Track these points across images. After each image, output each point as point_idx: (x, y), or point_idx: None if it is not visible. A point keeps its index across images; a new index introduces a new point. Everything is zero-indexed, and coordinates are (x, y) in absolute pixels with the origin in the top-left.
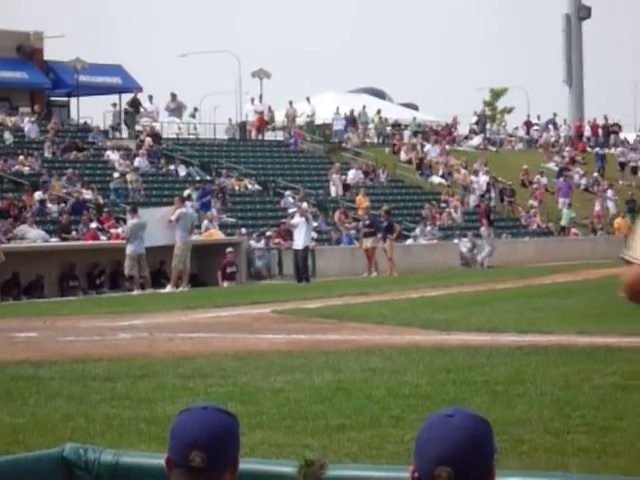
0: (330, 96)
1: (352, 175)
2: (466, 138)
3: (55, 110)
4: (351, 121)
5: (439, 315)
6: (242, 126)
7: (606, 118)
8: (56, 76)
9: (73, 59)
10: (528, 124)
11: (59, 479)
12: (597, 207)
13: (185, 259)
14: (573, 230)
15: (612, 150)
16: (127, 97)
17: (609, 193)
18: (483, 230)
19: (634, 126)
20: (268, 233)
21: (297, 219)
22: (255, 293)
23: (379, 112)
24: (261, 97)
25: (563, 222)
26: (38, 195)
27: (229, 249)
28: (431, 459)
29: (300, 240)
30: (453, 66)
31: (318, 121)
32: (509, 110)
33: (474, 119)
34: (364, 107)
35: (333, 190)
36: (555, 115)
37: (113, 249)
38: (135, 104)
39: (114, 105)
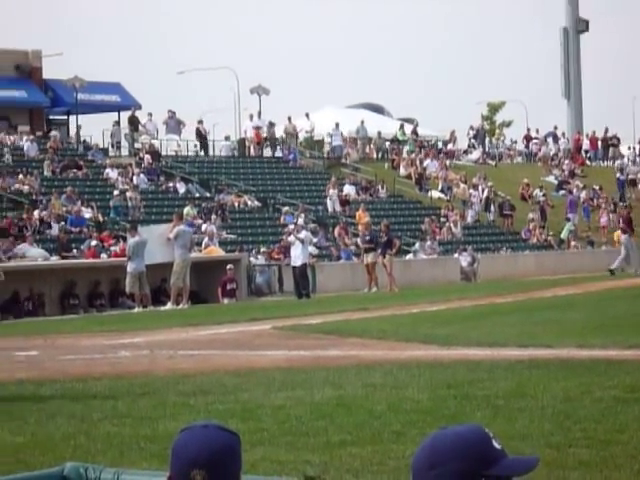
0: (329, 112)
1: (347, 190)
2: (465, 152)
3: (54, 128)
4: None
5: (439, 330)
6: (241, 143)
7: (606, 131)
8: (55, 94)
9: (72, 77)
10: (528, 137)
11: None
12: (603, 219)
13: (184, 276)
14: (573, 243)
15: (609, 162)
16: (126, 115)
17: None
18: (625, 237)
19: (633, 139)
20: (262, 249)
21: (293, 237)
22: (255, 310)
23: (380, 133)
24: (260, 113)
25: (563, 235)
26: (38, 214)
27: (229, 266)
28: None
29: (297, 257)
30: (452, 80)
31: (317, 137)
32: (508, 124)
33: (471, 133)
34: (362, 122)
35: (330, 205)
36: (555, 128)
37: (113, 267)
38: (134, 122)
39: (117, 123)
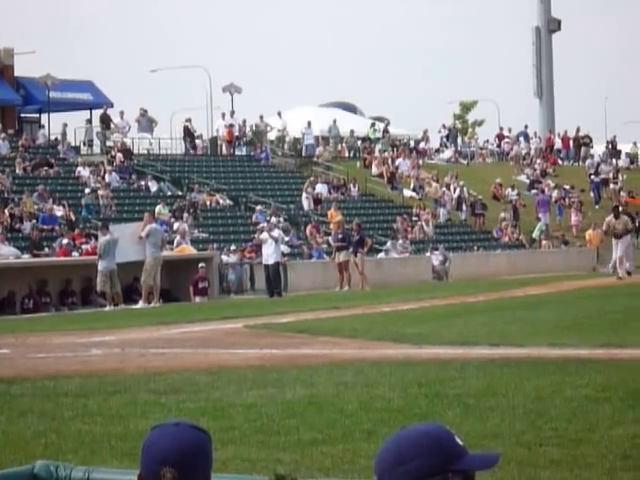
0: (301, 110)
1: (319, 189)
2: (437, 151)
3: (26, 126)
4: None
5: (411, 329)
6: (213, 141)
7: (578, 130)
8: (27, 92)
9: (44, 75)
10: (500, 136)
11: None
12: (574, 218)
13: (155, 274)
14: (544, 242)
15: (581, 162)
16: (98, 113)
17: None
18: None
19: (605, 139)
20: (233, 247)
21: (265, 235)
22: (227, 308)
23: (352, 132)
24: (232, 112)
25: (534, 235)
26: (9, 212)
27: (201, 264)
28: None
29: (269, 256)
30: (424, 79)
31: (289, 135)
32: (480, 123)
33: (443, 132)
34: (334, 121)
35: (306, 204)
36: (526, 127)
37: (85, 265)
38: (105, 120)
39: (89, 121)
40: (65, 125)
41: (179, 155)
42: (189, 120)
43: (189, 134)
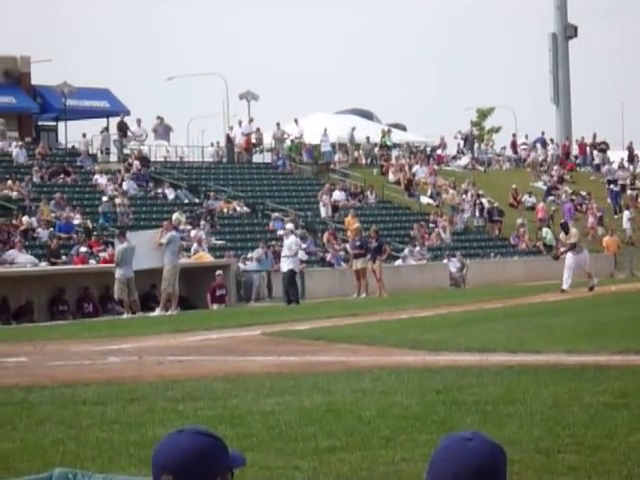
0: (318, 117)
1: (337, 196)
2: (454, 158)
3: (43, 134)
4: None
5: (428, 336)
6: (230, 148)
7: (594, 136)
8: (44, 100)
9: (61, 83)
10: (514, 143)
11: None
12: (590, 220)
13: (174, 282)
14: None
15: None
16: (115, 120)
17: (626, 213)
18: None
19: (622, 145)
20: (250, 255)
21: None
22: (244, 315)
23: (368, 139)
24: (252, 119)
25: (547, 241)
26: (27, 220)
27: (219, 272)
28: None
29: (285, 263)
30: (441, 86)
31: (306, 142)
32: (496, 130)
33: (460, 137)
34: (353, 129)
35: (323, 211)
36: (543, 134)
37: (102, 273)
38: (123, 128)
39: (105, 129)
40: (84, 135)
41: (196, 162)
42: (231, 128)
43: (229, 141)
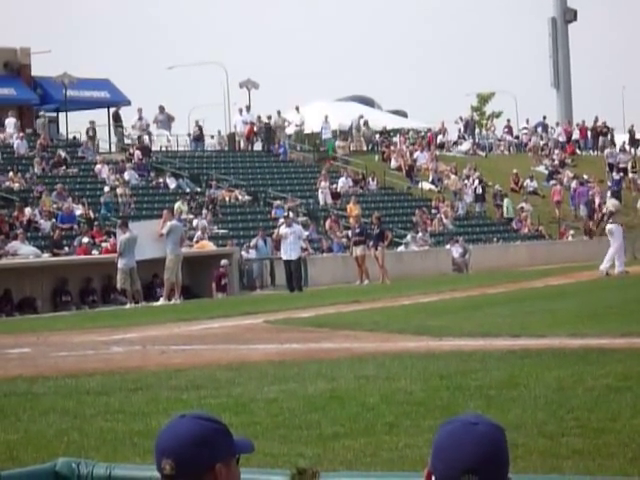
0: (319, 105)
1: (341, 183)
2: (455, 144)
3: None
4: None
5: (432, 321)
6: (231, 137)
7: (596, 120)
8: (44, 92)
9: (61, 74)
10: (509, 128)
11: None
12: (597, 200)
13: (177, 271)
14: (571, 232)
15: (599, 152)
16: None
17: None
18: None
19: (623, 129)
20: (253, 242)
21: (283, 229)
22: (247, 304)
23: (366, 123)
24: (249, 107)
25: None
26: (29, 211)
27: (224, 261)
28: (457, 467)
29: (287, 251)
30: (441, 72)
31: (307, 130)
32: (497, 115)
33: (461, 123)
34: (361, 116)
35: (322, 198)
36: (544, 118)
37: (105, 263)
38: (117, 117)
39: (91, 122)
40: (92, 122)
41: (197, 151)
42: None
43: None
